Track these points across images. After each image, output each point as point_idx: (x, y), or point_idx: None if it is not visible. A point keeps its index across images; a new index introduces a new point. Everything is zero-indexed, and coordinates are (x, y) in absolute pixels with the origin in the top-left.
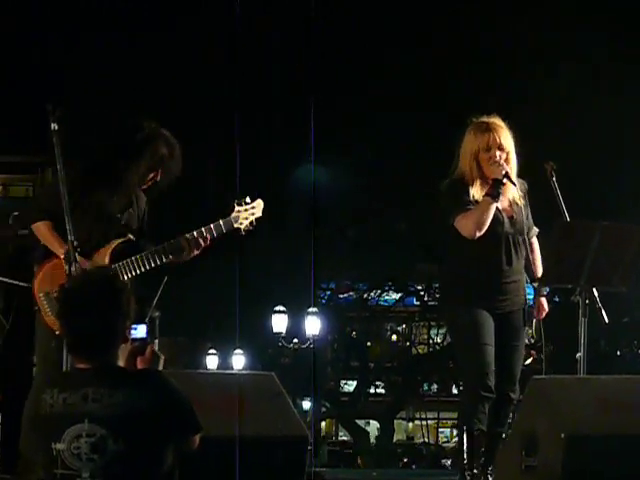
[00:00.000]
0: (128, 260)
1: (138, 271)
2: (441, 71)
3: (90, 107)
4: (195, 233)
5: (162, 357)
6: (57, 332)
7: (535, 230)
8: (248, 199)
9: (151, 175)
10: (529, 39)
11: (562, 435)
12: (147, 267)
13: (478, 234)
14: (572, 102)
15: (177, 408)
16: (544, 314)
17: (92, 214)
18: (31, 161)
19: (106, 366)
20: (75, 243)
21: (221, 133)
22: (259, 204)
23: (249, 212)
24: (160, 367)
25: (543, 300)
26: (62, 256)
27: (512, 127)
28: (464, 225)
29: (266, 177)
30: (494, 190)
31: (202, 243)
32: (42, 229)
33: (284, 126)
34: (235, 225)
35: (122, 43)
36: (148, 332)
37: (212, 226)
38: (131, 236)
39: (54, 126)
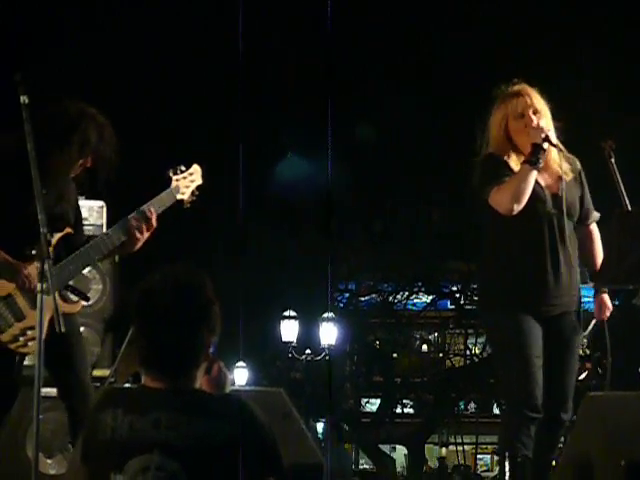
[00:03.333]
0: (80, 252)
1: (93, 262)
2: (477, 51)
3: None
4: (136, 213)
5: (230, 376)
6: (15, 352)
7: (596, 215)
8: (183, 167)
9: (80, 162)
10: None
11: (622, 462)
12: (100, 256)
13: (517, 207)
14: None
15: (263, 445)
16: (608, 313)
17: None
18: None
19: (185, 388)
20: (49, 237)
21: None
22: (197, 170)
23: (188, 180)
24: (228, 388)
25: (606, 297)
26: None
27: (549, 98)
28: (499, 199)
29: (273, 169)
30: (533, 156)
31: (149, 221)
32: None
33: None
34: (177, 196)
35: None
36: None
37: (153, 201)
38: (69, 229)
39: (24, 99)
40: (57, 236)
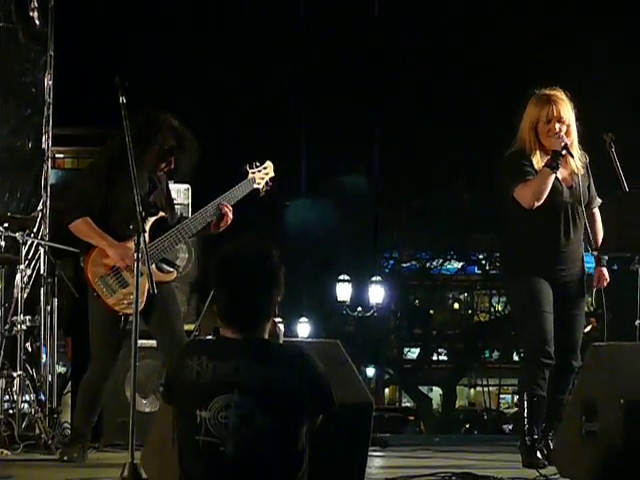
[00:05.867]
0: (173, 231)
1: (184, 240)
2: (504, 42)
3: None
4: (223, 199)
5: (282, 330)
6: (120, 313)
7: (598, 201)
8: (258, 162)
9: (164, 164)
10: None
11: (621, 400)
12: (190, 234)
13: (536, 204)
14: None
15: (320, 387)
16: (605, 283)
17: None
18: (102, 133)
19: (257, 338)
20: (143, 214)
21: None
22: (269, 165)
23: (263, 173)
24: (281, 339)
25: (604, 269)
26: (107, 250)
27: (574, 99)
28: (522, 195)
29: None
30: (553, 161)
31: (230, 207)
32: (81, 227)
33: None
34: (254, 186)
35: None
36: None
37: (234, 189)
38: (163, 213)
39: (122, 99)
40: (151, 219)
